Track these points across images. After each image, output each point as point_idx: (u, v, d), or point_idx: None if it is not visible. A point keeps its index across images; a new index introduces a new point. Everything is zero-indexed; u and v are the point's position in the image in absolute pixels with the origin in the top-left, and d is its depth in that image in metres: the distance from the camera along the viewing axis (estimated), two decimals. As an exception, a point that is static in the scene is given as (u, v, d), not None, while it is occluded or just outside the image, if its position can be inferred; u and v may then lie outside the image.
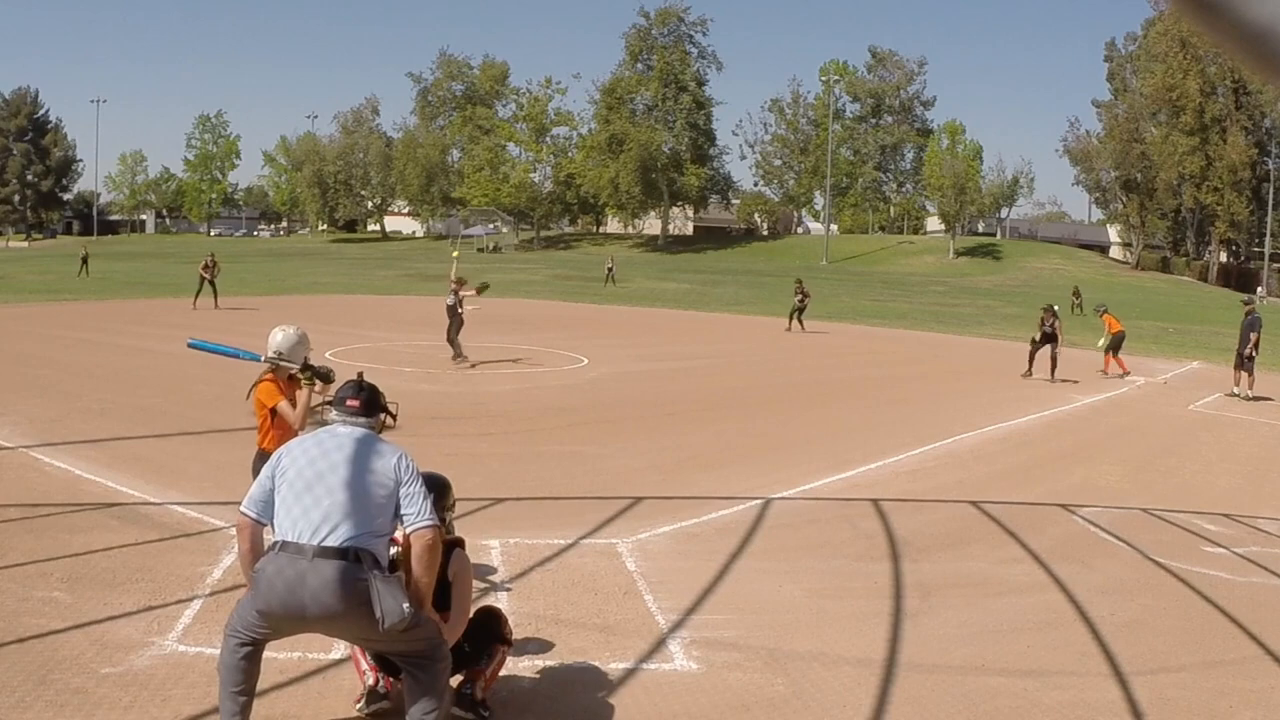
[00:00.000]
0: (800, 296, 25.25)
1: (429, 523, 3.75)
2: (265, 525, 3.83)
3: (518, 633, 5.13)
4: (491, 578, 5.93)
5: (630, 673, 4.72)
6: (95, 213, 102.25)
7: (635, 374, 16.21)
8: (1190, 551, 7.27)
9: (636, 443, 10.58)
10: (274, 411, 5.65)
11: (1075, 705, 4.57)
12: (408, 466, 3.83)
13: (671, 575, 6.14)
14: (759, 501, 8.14)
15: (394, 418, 4.26)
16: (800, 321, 25.14)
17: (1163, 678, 4.91)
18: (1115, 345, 18.46)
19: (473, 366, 15.63)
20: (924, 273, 63.33)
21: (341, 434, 3.92)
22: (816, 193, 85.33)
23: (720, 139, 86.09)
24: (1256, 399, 15.92)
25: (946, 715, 4.41)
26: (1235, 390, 16.27)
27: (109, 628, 4.90)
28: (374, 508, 3.73)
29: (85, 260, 37.92)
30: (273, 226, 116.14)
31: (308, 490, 3.72)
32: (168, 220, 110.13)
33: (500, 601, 5.55)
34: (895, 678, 4.80)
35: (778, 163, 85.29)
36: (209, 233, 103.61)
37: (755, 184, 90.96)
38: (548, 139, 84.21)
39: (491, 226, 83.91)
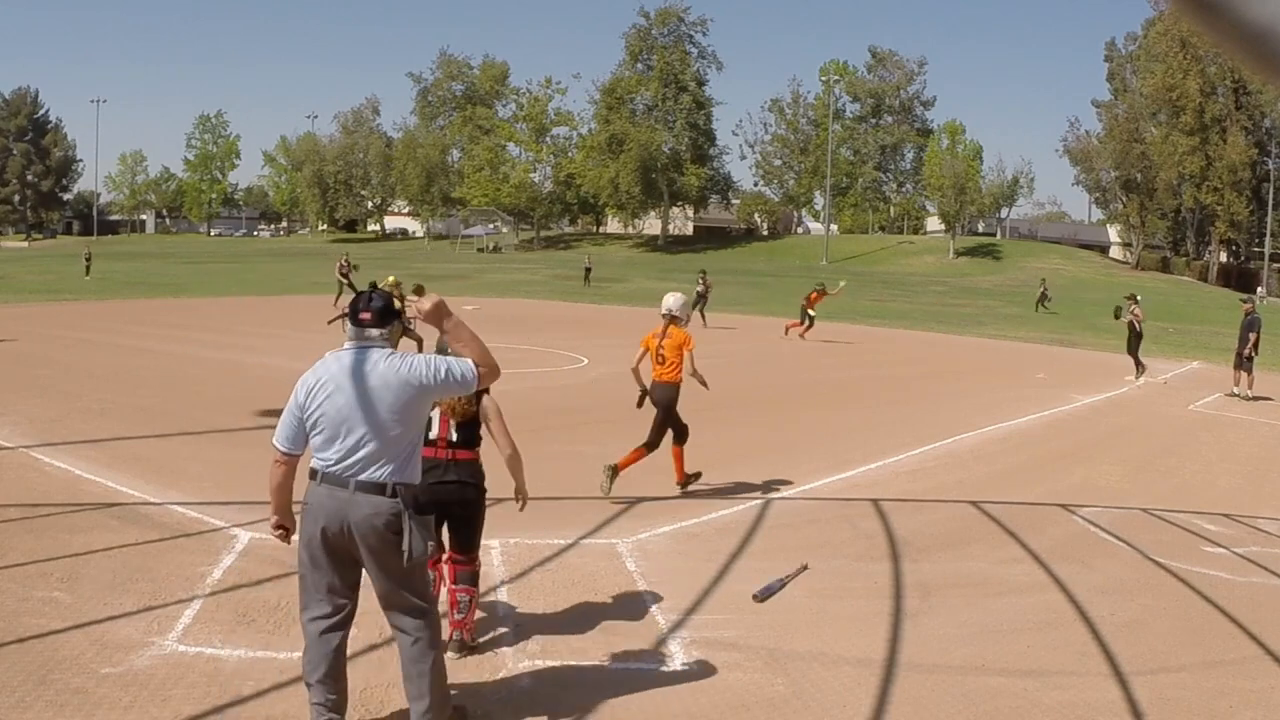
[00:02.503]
0: (703, 288, 25.29)
1: (470, 373, 3.83)
2: (298, 457, 3.95)
3: (518, 633, 5.14)
4: (492, 578, 5.93)
5: (630, 673, 4.72)
6: (95, 213, 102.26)
7: (635, 374, 16.19)
8: (1190, 551, 7.27)
9: (636, 443, 10.53)
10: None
11: (1075, 705, 4.57)
12: (427, 372, 3.81)
13: (671, 575, 6.14)
14: (759, 501, 8.14)
15: (410, 325, 4.26)
16: (703, 315, 24.58)
17: (1163, 678, 4.91)
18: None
19: None
20: (924, 273, 63.33)
21: (356, 359, 3.87)
22: (816, 193, 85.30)
23: (720, 139, 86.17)
24: (1256, 399, 15.92)
25: (946, 715, 4.41)
26: (1235, 390, 16.27)
27: (109, 628, 4.89)
28: (400, 432, 3.82)
29: (89, 261, 38.01)
30: (273, 226, 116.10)
31: (341, 423, 3.80)
32: (168, 220, 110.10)
33: (501, 601, 5.56)
34: (895, 678, 4.80)
35: (778, 163, 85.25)
36: (209, 232, 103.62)
37: (755, 184, 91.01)
38: (548, 139, 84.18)
39: (491, 226, 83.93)
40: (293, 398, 3.97)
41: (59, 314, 23.03)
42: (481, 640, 5.02)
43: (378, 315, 3.92)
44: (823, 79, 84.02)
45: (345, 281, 25.94)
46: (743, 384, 15.74)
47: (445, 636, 4.42)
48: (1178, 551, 7.23)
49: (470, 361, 3.85)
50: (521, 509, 5.02)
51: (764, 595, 5.60)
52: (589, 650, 4.94)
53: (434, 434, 4.79)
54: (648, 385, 8.20)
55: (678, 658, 4.95)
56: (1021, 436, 12.10)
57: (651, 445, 8.09)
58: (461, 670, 4.65)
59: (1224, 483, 10.02)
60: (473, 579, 4.96)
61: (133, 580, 5.58)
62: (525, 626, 5.21)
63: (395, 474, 3.80)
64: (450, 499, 4.77)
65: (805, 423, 12.54)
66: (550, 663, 4.81)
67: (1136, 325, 17.63)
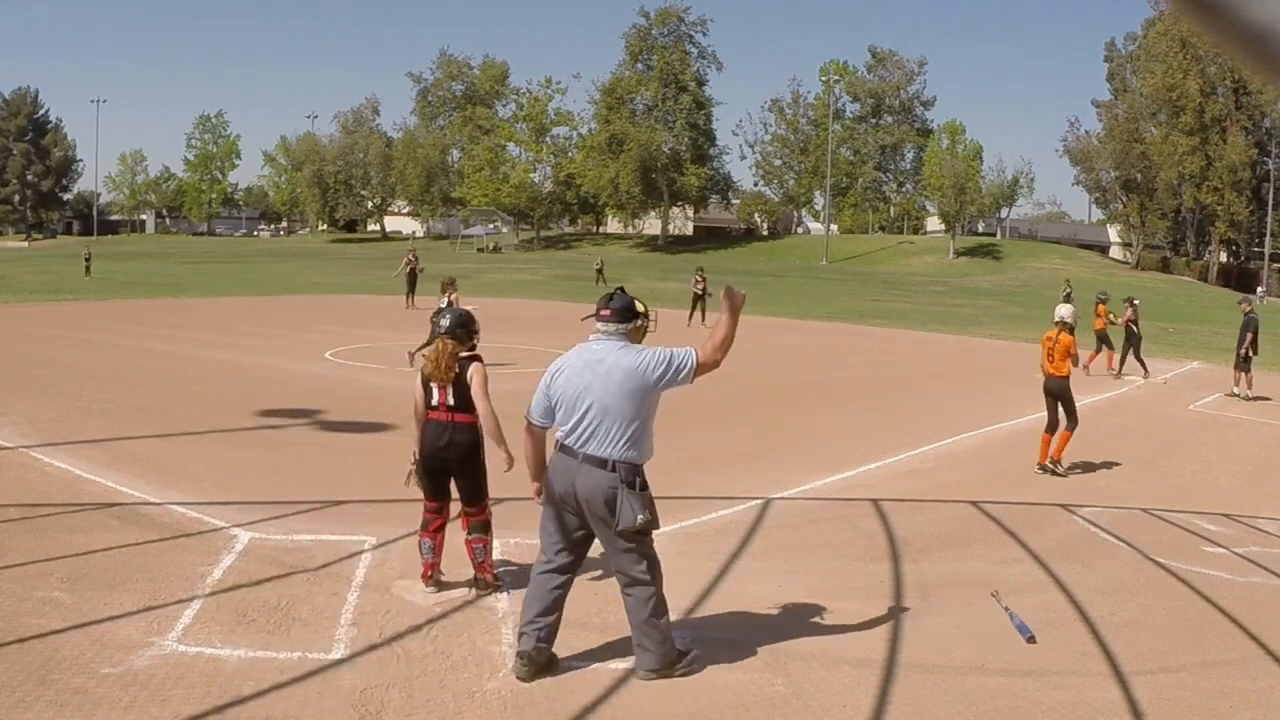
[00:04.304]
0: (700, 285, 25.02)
1: (689, 366, 4.49)
2: (548, 428, 4.65)
3: (518, 633, 5.13)
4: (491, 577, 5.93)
5: (630, 673, 4.71)
6: (95, 213, 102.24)
7: (635, 374, 16.18)
8: (1190, 551, 7.27)
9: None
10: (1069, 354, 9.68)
11: (1075, 705, 4.56)
12: (655, 356, 4.46)
13: (671, 575, 6.09)
14: (759, 501, 8.14)
15: (653, 322, 4.90)
16: (703, 315, 24.24)
17: (1163, 678, 4.91)
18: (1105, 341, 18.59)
19: None
20: (924, 273, 63.31)
21: (599, 350, 4.55)
22: (816, 193, 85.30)
23: (720, 139, 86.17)
24: (1256, 399, 15.92)
25: (946, 715, 4.41)
26: (1235, 390, 16.27)
27: (109, 628, 4.89)
28: (631, 416, 4.44)
29: (89, 261, 38.02)
30: (273, 226, 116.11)
31: (575, 403, 4.47)
32: (167, 220, 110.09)
33: (500, 601, 5.56)
34: (895, 678, 4.80)
35: (778, 163, 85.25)
36: (210, 232, 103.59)
37: (755, 184, 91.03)
38: (548, 139, 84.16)
39: (491, 226, 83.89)
40: (542, 379, 4.68)
41: (59, 314, 23.02)
42: (482, 640, 5.02)
43: (617, 313, 4.60)
44: (823, 79, 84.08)
45: (412, 274, 26.56)
46: (743, 384, 15.73)
47: (452, 598, 5.39)
48: (1178, 551, 7.22)
49: (693, 351, 4.50)
50: (507, 469, 5.36)
51: (1027, 633, 5.34)
52: (589, 650, 4.93)
53: (435, 400, 5.48)
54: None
55: (678, 658, 4.94)
56: (1021, 436, 12.08)
57: (1064, 424, 9.78)
58: (462, 670, 4.66)
59: (1224, 483, 10.02)
60: (484, 528, 5.57)
61: (133, 580, 5.58)
62: (525, 626, 5.21)
63: (618, 451, 4.43)
64: (452, 457, 5.45)
65: (805, 423, 12.53)
66: (550, 663, 4.80)
67: (1134, 328, 17.77)
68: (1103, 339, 18.44)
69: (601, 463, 4.41)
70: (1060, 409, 9.80)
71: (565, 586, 4.64)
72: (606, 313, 4.60)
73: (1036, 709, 4.52)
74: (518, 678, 4.50)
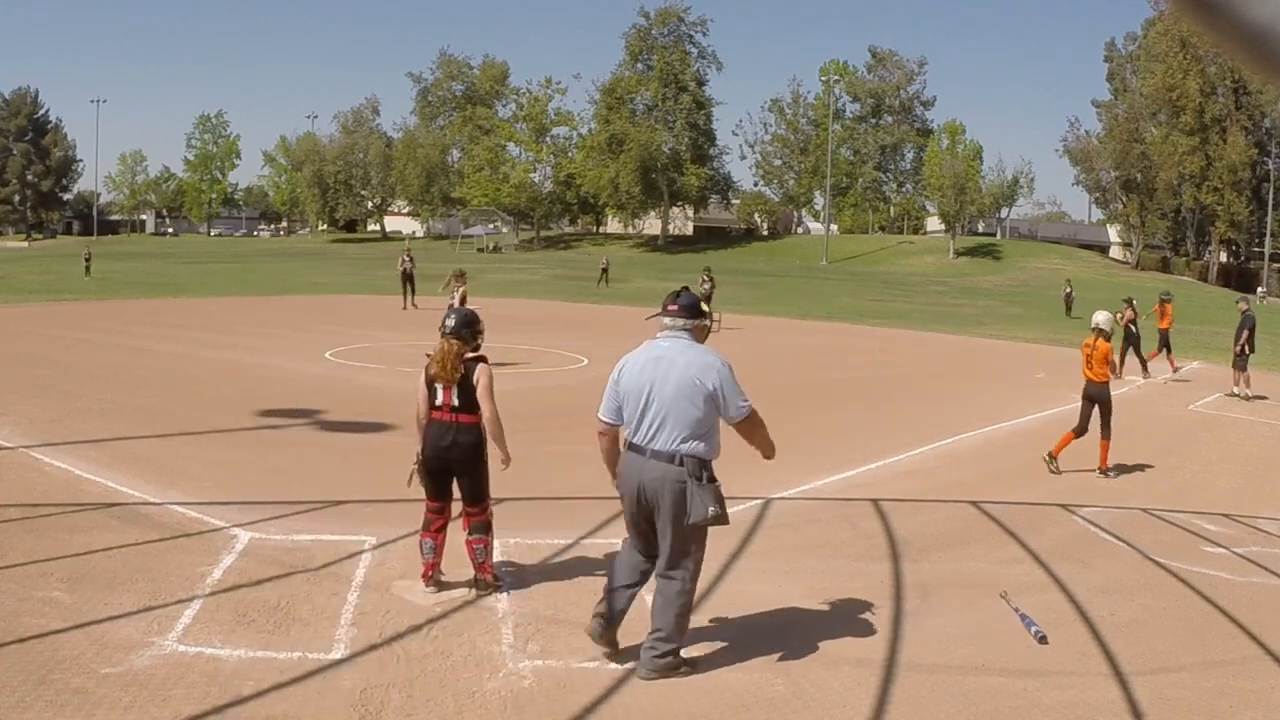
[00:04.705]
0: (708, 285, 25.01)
1: (738, 415, 4.67)
2: (619, 426, 4.76)
3: (518, 633, 5.14)
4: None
5: (630, 673, 4.71)
6: (95, 213, 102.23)
7: (635, 374, 16.18)
8: (1190, 551, 7.27)
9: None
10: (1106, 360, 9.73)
11: (1075, 705, 4.56)
12: (719, 374, 4.61)
13: (671, 575, 6.13)
14: (759, 501, 8.14)
15: (716, 323, 4.91)
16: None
17: (1163, 678, 4.91)
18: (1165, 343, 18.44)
19: None
20: (924, 273, 63.30)
21: (662, 348, 4.69)
22: (816, 193, 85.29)
23: (720, 139, 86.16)
24: (1255, 398, 15.92)
25: (946, 715, 4.41)
26: (1235, 390, 16.27)
27: (109, 628, 4.89)
28: (693, 414, 4.55)
29: (89, 261, 38.02)
30: (273, 226, 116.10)
31: (640, 400, 4.61)
32: (167, 220, 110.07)
33: (501, 601, 5.56)
34: (895, 678, 4.80)
35: (778, 163, 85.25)
36: (209, 232, 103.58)
37: (755, 184, 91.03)
38: (548, 139, 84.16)
39: (491, 226, 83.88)
40: (611, 376, 4.80)
41: (59, 314, 23.02)
42: (482, 640, 5.02)
43: (685, 309, 4.73)
44: (823, 79, 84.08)
45: (409, 279, 26.53)
46: (742, 384, 15.73)
47: (452, 598, 5.44)
48: (1178, 551, 7.22)
49: (750, 410, 4.70)
50: (505, 469, 5.54)
51: (1039, 635, 5.36)
52: (589, 650, 4.93)
53: (439, 400, 5.51)
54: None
55: (678, 658, 4.94)
56: (1021, 436, 12.09)
57: (1100, 433, 9.85)
58: (462, 670, 4.66)
59: (1224, 483, 10.02)
60: (485, 528, 5.58)
61: (133, 580, 5.58)
62: (525, 626, 5.21)
63: (684, 445, 4.55)
64: (455, 458, 5.48)
65: (805, 423, 12.52)
66: (550, 663, 4.80)
67: (1133, 328, 17.78)
68: (1164, 339, 18.30)
69: (669, 458, 4.54)
70: (1097, 414, 9.85)
71: (650, 567, 4.79)
72: (674, 308, 4.72)
73: (1036, 709, 4.52)
74: (589, 635, 4.77)
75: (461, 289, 16.46)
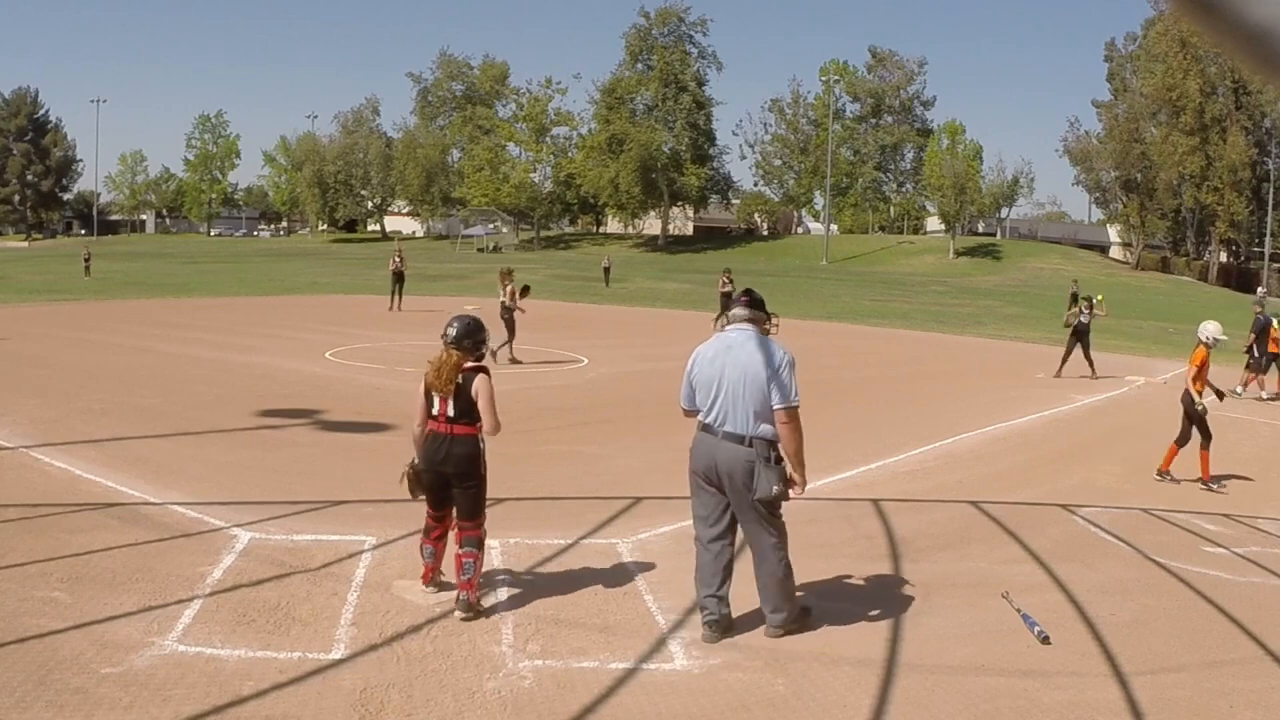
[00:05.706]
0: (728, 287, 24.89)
1: (788, 403, 5.05)
2: (698, 412, 5.16)
3: (518, 633, 5.14)
4: (492, 578, 5.93)
5: (630, 673, 4.71)
6: (95, 213, 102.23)
7: (635, 374, 16.20)
8: (1190, 551, 7.27)
9: (636, 443, 10.58)
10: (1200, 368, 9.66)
11: (1075, 705, 4.56)
12: (781, 361, 5.05)
13: (671, 575, 6.13)
14: (759, 501, 8.13)
15: (775, 326, 5.51)
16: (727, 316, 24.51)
17: (1163, 678, 4.91)
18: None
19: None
20: (924, 273, 63.30)
21: (732, 338, 5.16)
22: (816, 193, 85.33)
23: (720, 139, 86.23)
24: (1255, 398, 15.93)
25: (946, 715, 4.41)
26: (1237, 390, 16.27)
27: (109, 628, 4.89)
28: (760, 398, 4.98)
29: (89, 261, 38.03)
30: (273, 226, 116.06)
31: (712, 386, 5.06)
32: (167, 220, 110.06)
33: (501, 602, 5.56)
34: (895, 678, 4.80)
35: (778, 163, 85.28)
36: (209, 232, 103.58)
37: (755, 184, 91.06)
38: (548, 139, 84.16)
39: (491, 226, 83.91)
40: (687, 366, 5.23)
41: (59, 314, 23.02)
42: (482, 640, 5.02)
43: (756, 302, 5.29)
44: (823, 79, 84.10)
45: (399, 277, 26.46)
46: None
47: (452, 598, 5.34)
48: (1178, 551, 7.22)
49: (798, 404, 5.09)
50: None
51: (1042, 635, 5.36)
52: (589, 650, 4.94)
53: (435, 410, 5.40)
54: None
55: (678, 658, 4.94)
56: (1021, 436, 12.10)
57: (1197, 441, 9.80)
58: (462, 670, 4.66)
59: (1224, 482, 10.01)
60: (477, 544, 5.39)
61: (133, 580, 5.58)
62: (525, 626, 5.21)
63: (754, 428, 4.97)
64: (451, 470, 5.36)
65: (805, 423, 12.52)
66: (550, 663, 4.80)
67: (1082, 322, 17.30)
68: (1274, 359, 16.97)
69: (739, 439, 4.96)
70: (1189, 423, 9.81)
71: (729, 553, 5.15)
72: (745, 299, 5.29)
73: (1036, 709, 4.52)
74: (705, 641, 5.03)
75: (509, 286, 16.43)
